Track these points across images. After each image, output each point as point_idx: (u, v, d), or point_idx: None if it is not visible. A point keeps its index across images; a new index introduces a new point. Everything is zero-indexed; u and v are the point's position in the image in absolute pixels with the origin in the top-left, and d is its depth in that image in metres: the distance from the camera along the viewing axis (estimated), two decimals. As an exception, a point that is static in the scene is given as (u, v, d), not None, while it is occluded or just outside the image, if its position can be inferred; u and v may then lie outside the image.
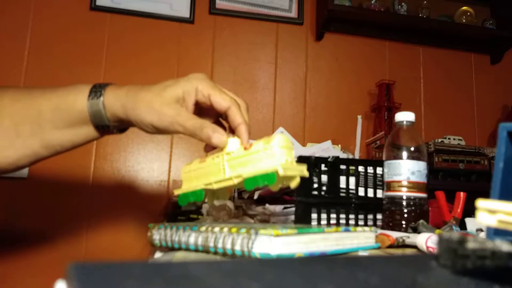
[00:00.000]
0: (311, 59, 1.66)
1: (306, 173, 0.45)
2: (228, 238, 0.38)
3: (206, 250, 0.41)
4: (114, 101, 0.51)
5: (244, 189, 0.46)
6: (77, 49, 1.48)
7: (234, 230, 0.38)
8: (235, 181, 0.46)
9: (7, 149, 0.53)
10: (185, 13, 1.57)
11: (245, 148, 0.46)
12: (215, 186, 0.48)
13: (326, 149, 1.14)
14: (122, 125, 0.55)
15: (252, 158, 0.45)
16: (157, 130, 0.51)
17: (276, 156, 0.43)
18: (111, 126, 0.54)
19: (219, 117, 0.55)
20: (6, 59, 1.43)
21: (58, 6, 1.49)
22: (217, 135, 0.48)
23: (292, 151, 0.46)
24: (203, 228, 0.41)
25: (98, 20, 1.51)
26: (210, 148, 0.53)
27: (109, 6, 1.51)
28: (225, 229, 0.39)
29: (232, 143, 0.48)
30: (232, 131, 0.52)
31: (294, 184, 0.46)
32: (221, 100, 0.50)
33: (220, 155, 0.48)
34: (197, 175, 0.51)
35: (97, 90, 0.52)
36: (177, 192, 0.53)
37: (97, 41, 1.50)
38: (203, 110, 0.53)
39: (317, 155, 0.92)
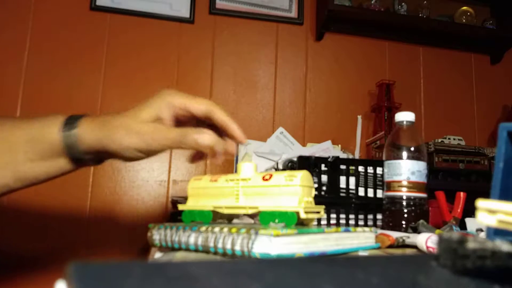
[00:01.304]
0: (311, 59, 1.66)
1: (323, 214, 0.45)
2: (228, 238, 0.38)
3: (206, 250, 0.41)
4: (89, 133, 0.50)
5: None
6: (77, 49, 1.48)
7: (234, 230, 0.38)
8: (249, 211, 0.45)
9: None
10: (185, 13, 1.57)
11: (264, 178, 0.44)
12: (226, 211, 0.47)
13: (326, 149, 1.14)
14: (98, 157, 0.54)
15: (270, 191, 0.43)
16: (140, 152, 0.49)
17: (298, 195, 0.41)
18: (86, 159, 0.52)
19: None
20: (6, 59, 1.43)
21: (58, 6, 1.49)
22: (203, 135, 0.47)
23: (312, 190, 0.44)
24: (203, 228, 0.41)
25: (98, 20, 1.51)
26: (196, 158, 0.52)
27: (109, 6, 1.51)
28: (225, 229, 0.39)
29: (247, 169, 0.47)
30: (220, 134, 0.51)
31: (311, 224, 0.46)
32: (198, 104, 0.50)
33: (234, 179, 0.47)
34: (206, 194, 0.50)
35: (71, 121, 0.51)
36: (182, 207, 0.52)
37: (97, 41, 1.50)
38: (182, 123, 0.52)
39: (317, 155, 0.92)
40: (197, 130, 0.48)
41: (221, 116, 0.50)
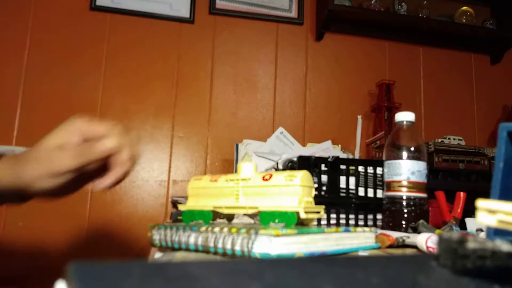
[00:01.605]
0: (311, 59, 1.66)
1: (323, 214, 0.45)
2: (228, 238, 0.38)
3: (206, 250, 0.41)
4: (3, 172, 0.50)
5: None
6: (77, 49, 1.48)
7: (234, 230, 0.38)
8: (249, 211, 0.45)
9: None
10: (185, 13, 1.57)
11: (264, 178, 0.45)
12: (226, 211, 0.47)
13: (326, 149, 1.14)
14: (17, 196, 0.54)
15: (270, 191, 0.44)
16: (54, 177, 0.49)
17: (298, 195, 0.42)
18: (4, 197, 0.52)
19: None
20: (6, 59, 1.43)
21: (58, 5, 1.49)
22: (106, 140, 0.48)
23: (312, 190, 0.44)
24: (203, 228, 0.41)
25: (98, 20, 1.51)
26: (99, 180, 0.52)
27: (109, 6, 1.51)
28: (225, 229, 0.39)
29: (247, 169, 0.47)
30: None
31: (311, 224, 0.46)
32: (98, 128, 0.50)
33: (234, 179, 0.47)
34: (206, 194, 0.50)
35: None
36: (182, 207, 0.52)
37: (97, 41, 1.50)
38: None
39: (317, 155, 0.92)
40: (99, 140, 0.48)
41: (113, 142, 0.50)
